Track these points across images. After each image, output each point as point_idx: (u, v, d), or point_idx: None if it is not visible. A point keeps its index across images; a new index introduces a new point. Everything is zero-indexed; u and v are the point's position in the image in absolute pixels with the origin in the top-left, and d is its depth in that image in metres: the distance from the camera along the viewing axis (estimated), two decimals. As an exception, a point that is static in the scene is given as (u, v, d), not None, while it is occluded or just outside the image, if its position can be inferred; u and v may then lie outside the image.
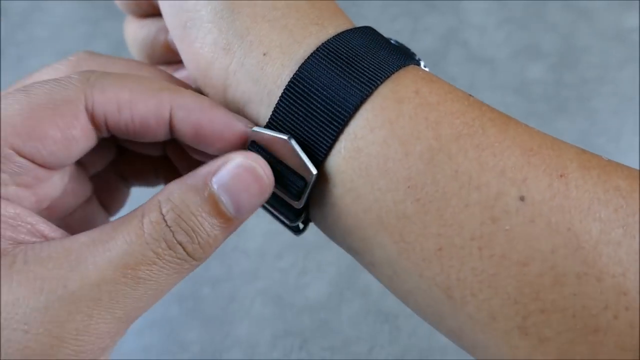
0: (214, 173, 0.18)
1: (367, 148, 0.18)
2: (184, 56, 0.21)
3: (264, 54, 0.19)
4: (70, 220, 0.23)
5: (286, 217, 0.20)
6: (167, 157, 0.24)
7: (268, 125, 0.19)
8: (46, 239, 0.18)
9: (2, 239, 0.17)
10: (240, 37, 0.19)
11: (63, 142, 0.18)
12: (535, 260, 0.16)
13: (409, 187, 0.17)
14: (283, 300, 0.43)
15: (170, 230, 0.17)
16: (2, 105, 0.17)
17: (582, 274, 0.15)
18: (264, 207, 0.21)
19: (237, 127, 0.19)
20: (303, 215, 0.20)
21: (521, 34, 0.54)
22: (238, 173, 0.18)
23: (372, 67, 0.18)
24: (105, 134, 0.19)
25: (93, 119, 0.18)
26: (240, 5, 0.19)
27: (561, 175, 0.16)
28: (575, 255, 0.15)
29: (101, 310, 0.17)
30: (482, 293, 0.16)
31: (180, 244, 0.18)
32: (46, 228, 0.18)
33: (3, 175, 0.17)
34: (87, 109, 0.18)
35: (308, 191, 0.18)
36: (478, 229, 0.16)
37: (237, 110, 0.20)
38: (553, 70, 0.52)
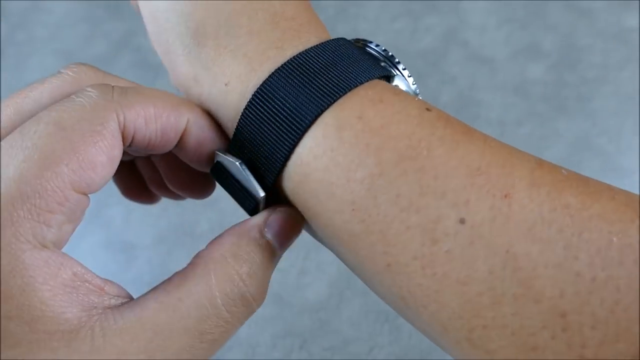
0: (265, 222, 0.20)
1: (312, 174, 0.18)
2: (171, 79, 0.22)
3: (226, 84, 0.20)
4: None
5: None
6: (132, 161, 0.26)
7: (229, 149, 0.21)
8: (105, 294, 0.17)
9: (73, 307, 0.16)
10: (207, 69, 0.20)
11: (109, 164, 0.18)
12: (474, 280, 0.16)
13: (353, 209, 0.18)
14: (283, 300, 0.43)
15: (244, 284, 0.18)
16: (44, 146, 0.16)
17: (519, 295, 0.16)
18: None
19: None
20: None
21: (521, 34, 0.54)
22: (284, 220, 0.20)
23: (322, 90, 0.19)
24: (126, 146, 0.20)
25: (123, 134, 0.18)
26: (206, 37, 0.20)
27: (505, 196, 0.16)
28: (512, 277, 0.16)
29: None
30: (431, 306, 0.17)
31: (253, 297, 0.19)
32: (100, 282, 0.17)
33: (62, 218, 0.17)
34: (119, 126, 0.18)
35: (261, 209, 0.20)
36: (420, 249, 0.17)
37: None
38: (553, 70, 0.52)
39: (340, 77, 0.19)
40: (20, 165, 0.16)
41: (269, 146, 0.19)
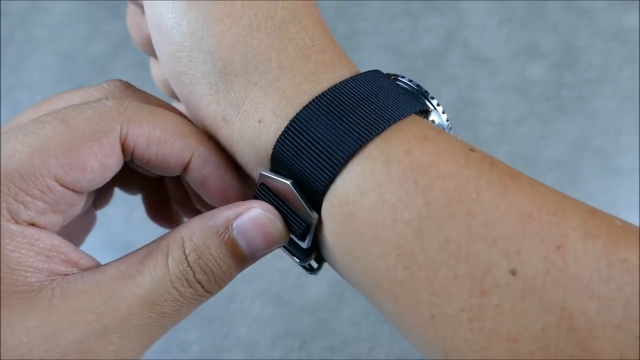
0: (235, 218, 0.19)
1: (358, 213, 0.17)
2: (193, 120, 0.22)
3: (259, 122, 0.19)
4: (72, 225, 0.23)
5: (296, 255, 0.21)
6: (162, 179, 0.26)
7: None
8: (77, 266, 0.19)
9: (39, 272, 0.18)
10: (237, 107, 0.19)
11: (100, 170, 0.19)
12: (525, 338, 0.15)
13: (398, 254, 0.17)
14: (283, 300, 0.43)
15: (192, 270, 0.19)
16: (43, 136, 0.18)
17: (575, 357, 0.15)
18: None
19: (237, 191, 0.21)
20: (313, 255, 0.21)
21: (521, 34, 0.54)
22: (257, 222, 0.19)
23: (364, 121, 0.18)
24: (126, 160, 0.20)
25: (123, 147, 0.19)
26: (234, 74, 0.19)
27: (559, 247, 0.15)
28: (568, 337, 0.15)
29: (130, 341, 0.18)
30: None
31: (200, 283, 0.19)
32: (77, 256, 0.19)
33: (43, 205, 0.18)
34: (120, 139, 0.19)
35: (312, 232, 0.19)
36: (467, 301, 0.16)
37: (248, 172, 0.21)
38: (553, 70, 0.52)
39: (382, 110, 0.18)
40: (16, 146, 0.17)
41: (309, 177, 0.18)
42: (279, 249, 0.21)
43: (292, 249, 0.21)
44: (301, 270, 0.48)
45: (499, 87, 0.52)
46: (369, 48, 0.54)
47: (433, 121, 0.20)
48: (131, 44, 0.58)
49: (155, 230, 0.46)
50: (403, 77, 0.21)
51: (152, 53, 0.25)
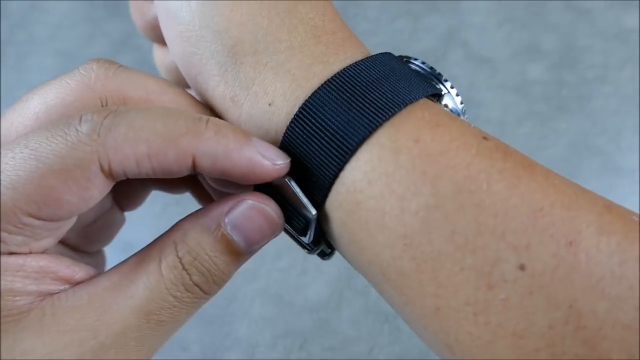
0: (227, 213, 0.18)
1: (365, 202, 0.17)
2: (201, 101, 0.21)
3: (270, 104, 0.19)
4: (90, 227, 0.23)
5: (304, 246, 0.21)
6: None
7: None
8: (70, 282, 0.18)
9: (28, 295, 0.17)
10: (246, 88, 0.19)
11: (79, 202, 0.17)
12: (531, 335, 0.15)
13: (405, 244, 0.16)
14: (283, 300, 0.43)
15: (188, 273, 0.18)
16: (12, 171, 0.17)
17: (581, 357, 0.14)
18: (285, 231, 0.21)
19: (263, 167, 0.18)
20: (321, 244, 0.20)
21: (521, 34, 0.54)
22: (250, 214, 0.18)
23: (374, 105, 0.17)
24: (121, 179, 0.19)
25: (111, 174, 0.17)
26: (244, 54, 0.19)
27: (570, 243, 0.15)
28: (575, 335, 0.14)
29: (129, 355, 0.17)
30: (480, 357, 0.16)
31: (197, 285, 0.18)
32: (69, 272, 0.18)
33: (22, 238, 0.17)
34: (102, 170, 0.17)
35: (312, 228, 0.19)
36: (473, 294, 0.15)
37: None
38: (553, 70, 0.52)
39: (393, 94, 0.18)
40: None
41: (318, 165, 0.18)
42: (289, 239, 0.21)
43: (300, 239, 0.21)
44: (301, 270, 0.48)
45: (499, 87, 0.52)
46: (369, 48, 0.54)
47: (446, 105, 0.20)
48: (131, 44, 0.58)
49: (155, 229, 0.46)
50: (416, 59, 0.20)
51: (155, 39, 0.25)
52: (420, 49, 0.54)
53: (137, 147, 0.17)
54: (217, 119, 0.18)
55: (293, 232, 0.20)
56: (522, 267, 0.15)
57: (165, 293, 0.18)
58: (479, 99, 0.51)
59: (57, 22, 0.60)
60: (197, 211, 0.19)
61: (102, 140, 0.17)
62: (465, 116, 0.20)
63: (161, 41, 0.25)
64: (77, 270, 0.18)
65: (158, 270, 0.18)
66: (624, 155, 0.48)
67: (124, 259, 0.19)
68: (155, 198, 0.25)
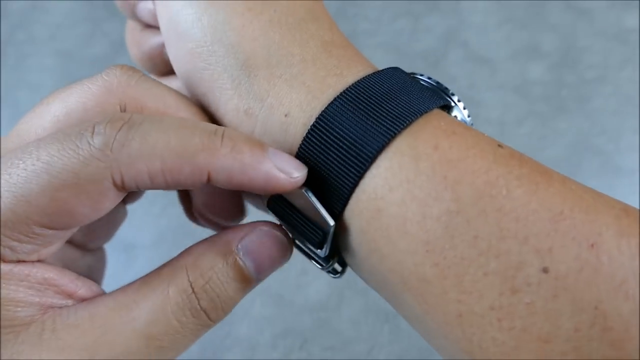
0: (240, 239, 0.19)
1: (387, 209, 0.17)
2: (212, 119, 0.21)
3: (286, 115, 0.19)
4: (93, 223, 0.23)
5: (318, 261, 0.21)
6: None
7: None
8: (73, 297, 0.18)
9: (30, 307, 0.17)
10: (261, 100, 0.19)
11: (92, 213, 0.18)
12: (557, 339, 0.15)
13: (427, 250, 0.16)
14: (283, 300, 0.43)
15: (197, 297, 0.18)
16: (25, 183, 0.17)
17: (608, 357, 0.14)
18: (297, 248, 0.21)
19: (279, 181, 0.18)
20: (335, 259, 0.20)
21: (521, 34, 0.54)
22: (263, 241, 0.19)
23: (391, 115, 0.17)
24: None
25: (123, 187, 0.17)
26: (257, 67, 0.19)
27: (592, 245, 0.15)
28: (602, 337, 0.14)
29: None
30: None
31: (205, 311, 0.18)
32: (73, 287, 0.18)
33: (32, 247, 0.17)
34: (115, 184, 0.17)
35: (329, 240, 0.18)
36: (497, 299, 0.15)
37: None
38: (553, 70, 0.52)
39: (409, 104, 0.18)
40: (2, 191, 0.17)
41: (336, 174, 0.18)
42: (302, 255, 0.21)
43: (314, 255, 0.21)
44: (301, 269, 0.48)
45: (499, 87, 0.52)
46: (369, 48, 0.54)
47: (455, 117, 0.20)
48: (131, 44, 0.58)
49: (155, 229, 0.46)
50: (422, 75, 0.21)
51: (152, 68, 0.25)
52: (420, 49, 0.54)
53: (150, 163, 0.17)
54: (232, 130, 0.18)
55: (306, 248, 0.20)
56: (545, 270, 0.15)
57: (170, 317, 0.17)
58: (479, 99, 0.51)
59: (57, 22, 0.60)
60: (209, 237, 0.19)
61: (115, 156, 0.17)
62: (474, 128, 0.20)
63: (158, 71, 0.25)
64: (80, 285, 0.18)
65: (165, 293, 0.18)
66: (624, 155, 0.48)
67: (131, 251, 0.18)
68: (155, 198, 0.25)
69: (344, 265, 0.21)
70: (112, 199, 0.18)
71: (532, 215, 0.15)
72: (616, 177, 0.47)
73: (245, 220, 0.21)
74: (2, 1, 0.61)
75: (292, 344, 0.41)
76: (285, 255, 0.20)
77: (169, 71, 0.25)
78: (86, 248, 0.23)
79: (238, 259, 0.19)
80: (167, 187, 0.18)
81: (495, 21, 0.55)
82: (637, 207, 0.16)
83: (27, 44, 0.59)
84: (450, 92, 0.20)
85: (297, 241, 0.20)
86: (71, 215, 0.17)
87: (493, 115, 0.50)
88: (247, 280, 0.19)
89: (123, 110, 0.20)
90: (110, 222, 0.24)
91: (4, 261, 0.17)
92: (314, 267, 0.21)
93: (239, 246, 0.19)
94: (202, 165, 0.17)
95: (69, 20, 0.60)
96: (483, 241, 0.16)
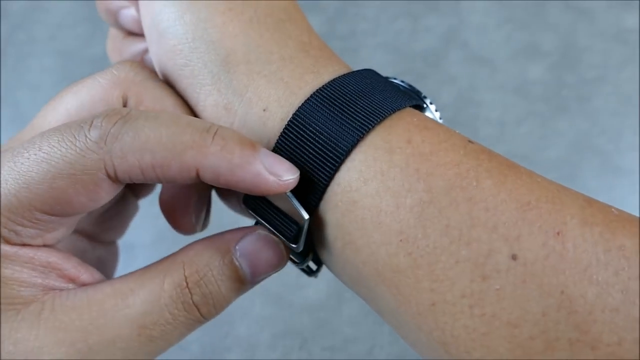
0: (238, 240, 0.19)
1: (361, 200, 0.18)
2: (191, 115, 0.21)
3: (264, 110, 0.19)
4: (104, 215, 0.24)
5: (292, 258, 0.21)
6: None
7: None
8: (75, 282, 0.19)
9: (33, 287, 0.18)
10: (240, 95, 0.20)
11: (89, 202, 0.18)
12: (526, 323, 0.15)
13: (401, 240, 0.17)
14: (283, 300, 0.43)
15: (190, 292, 0.18)
16: (26, 172, 0.18)
17: (574, 341, 0.15)
18: None
19: (268, 184, 0.18)
20: (310, 257, 0.21)
21: (521, 34, 0.54)
22: (260, 245, 0.19)
23: (365, 111, 0.18)
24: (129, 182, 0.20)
25: (117, 179, 0.18)
26: (237, 63, 0.20)
27: (558, 233, 0.16)
28: (567, 320, 0.15)
29: None
30: (476, 351, 0.16)
31: (196, 306, 0.19)
32: (75, 272, 0.19)
33: (35, 231, 0.18)
34: (109, 176, 0.18)
35: (304, 234, 0.19)
36: (468, 286, 0.16)
37: None
38: (553, 70, 0.52)
39: (382, 102, 0.19)
40: (6, 178, 0.18)
41: (312, 167, 0.18)
42: None
43: (290, 248, 0.21)
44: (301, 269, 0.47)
45: (499, 87, 0.52)
46: (369, 48, 0.54)
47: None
48: (131, 44, 0.58)
49: (155, 230, 0.46)
50: (395, 78, 0.22)
51: (117, 26, 0.26)
52: (420, 49, 0.54)
53: (141, 157, 0.18)
54: (226, 129, 0.18)
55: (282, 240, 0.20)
56: (514, 257, 0.16)
57: (163, 309, 0.18)
58: (478, 99, 0.51)
59: (57, 22, 0.60)
60: (209, 236, 0.20)
61: (109, 149, 0.18)
62: None
63: (124, 31, 0.26)
64: (82, 271, 0.19)
65: (161, 285, 0.18)
66: (624, 156, 0.48)
67: (131, 251, 0.19)
68: (155, 198, 0.25)
69: (319, 264, 0.22)
70: (107, 189, 0.18)
71: (501, 205, 0.16)
72: (616, 177, 0.47)
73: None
74: (2, 1, 0.61)
75: (291, 344, 0.41)
76: (280, 261, 0.20)
77: None
78: (98, 240, 0.24)
79: (234, 259, 0.19)
80: (159, 181, 0.18)
81: (495, 21, 0.55)
82: (637, 207, 0.16)
83: (27, 44, 0.59)
84: (423, 95, 0.21)
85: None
86: (69, 203, 0.18)
87: (493, 116, 0.50)
88: (241, 281, 0.19)
89: (125, 104, 0.20)
90: (121, 215, 0.25)
91: (10, 243, 0.18)
92: (313, 267, 0.21)
93: (237, 247, 0.19)
94: (190, 162, 0.18)
95: (69, 20, 0.60)
96: (454, 230, 0.16)
